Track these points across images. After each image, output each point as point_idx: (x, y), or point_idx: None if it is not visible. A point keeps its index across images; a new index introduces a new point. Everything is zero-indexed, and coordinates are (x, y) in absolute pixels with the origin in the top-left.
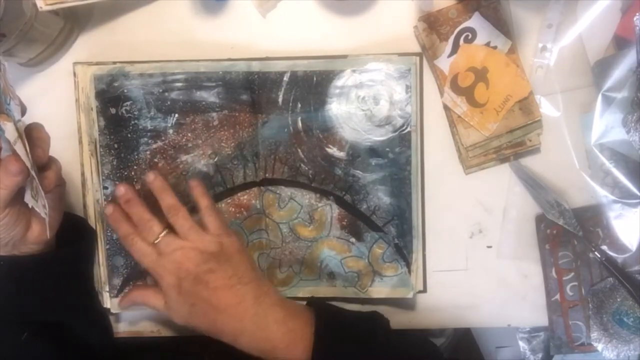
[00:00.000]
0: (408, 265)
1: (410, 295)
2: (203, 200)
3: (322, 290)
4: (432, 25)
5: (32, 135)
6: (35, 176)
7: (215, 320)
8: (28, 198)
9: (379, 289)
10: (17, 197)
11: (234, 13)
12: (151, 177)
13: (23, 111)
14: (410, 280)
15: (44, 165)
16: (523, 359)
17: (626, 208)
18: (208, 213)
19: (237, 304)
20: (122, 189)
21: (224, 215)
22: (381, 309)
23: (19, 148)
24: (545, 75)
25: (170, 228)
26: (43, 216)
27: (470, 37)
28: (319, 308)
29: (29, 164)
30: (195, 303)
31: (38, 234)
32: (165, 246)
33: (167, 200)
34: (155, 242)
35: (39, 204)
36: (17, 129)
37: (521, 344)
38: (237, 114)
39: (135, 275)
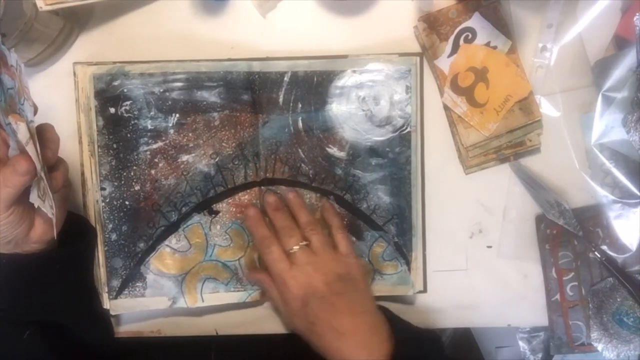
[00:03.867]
0: (408, 263)
1: (410, 293)
2: (335, 220)
3: None
4: (432, 25)
5: (43, 135)
6: (44, 177)
7: (331, 343)
8: (34, 198)
9: (379, 287)
10: (22, 196)
11: (234, 13)
12: (291, 196)
13: (34, 111)
14: (410, 278)
15: (52, 166)
16: (523, 359)
17: (626, 208)
18: (339, 233)
19: (356, 332)
20: (272, 198)
21: (225, 215)
22: None
23: (30, 148)
24: (545, 75)
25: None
26: (50, 216)
27: (470, 37)
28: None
29: (38, 165)
30: (315, 322)
31: (41, 233)
32: (300, 257)
33: (304, 217)
34: (291, 251)
35: (46, 204)
36: (29, 129)
37: (521, 344)
38: (238, 114)
39: (134, 277)
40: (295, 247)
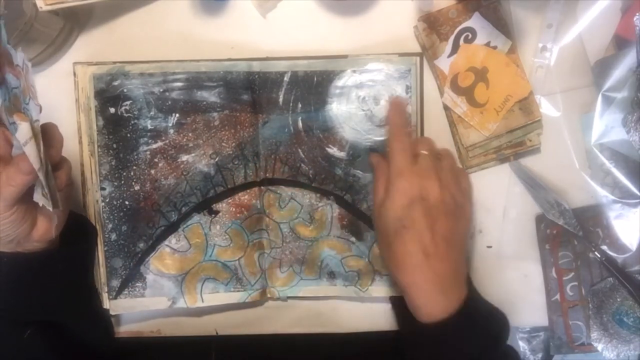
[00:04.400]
0: None
1: None
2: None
3: (323, 289)
4: (432, 25)
5: (48, 134)
6: (43, 177)
7: (412, 257)
8: (37, 197)
9: (380, 288)
10: (25, 195)
11: (234, 13)
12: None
13: (39, 110)
14: None
15: (56, 164)
16: (523, 359)
17: (626, 208)
18: (466, 177)
19: (442, 260)
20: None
21: (225, 215)
22: (381, 309)
23: (31, 148)
24: (545, 75)
25: None
26: (52, 215)
27: (470, 37)
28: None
29: (38, 164)
30: (409, 227)
31: (43, 232)
32: (427, 162)
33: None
34: (422, 152)
35: (50, 202)
36: (33, 129)
37: (521, 344)
38: (237, 114)
39: (134, 277)
40: (425, 152)
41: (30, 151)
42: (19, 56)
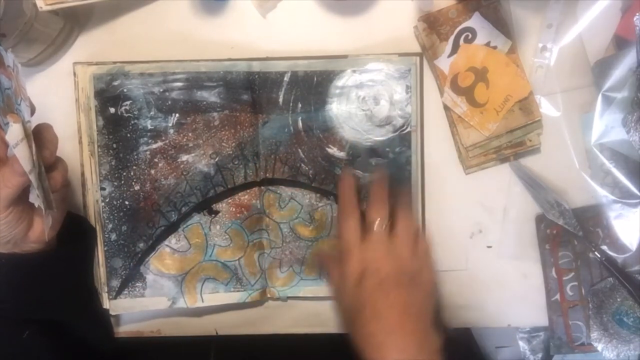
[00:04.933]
0: None
1: None
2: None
3: (323, 289)
4: (432, 25)
5: (41, 135)
6: (35, 179)
7: (371, 336)
8: (33, 198)
9: None
10: (21, 196)
11: (234, 13)
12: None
13: (32, 111)
14: None
15: (50, 165)
16: (523, 359)
17: (626, 208)
18: (424, 238)
19: (403, 335)
20: (383, 172)
21: (225, 215)
22: None
23: (23, 149)
24: (545, 75)
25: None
26: (47, 217)
27: (470, 37)
28: None
29: (30, 166)
30: (365, 306)
31: (40, 233)
32: (378, 235)
33: (402, 201)
34: (372, 225)
35: (44, 203)
36: (25, 130)
37: (521, 344)
38: (237, 114)
39: (134, 277)
40: (377, 223)
41: (22, 152)
42: (10, 57)
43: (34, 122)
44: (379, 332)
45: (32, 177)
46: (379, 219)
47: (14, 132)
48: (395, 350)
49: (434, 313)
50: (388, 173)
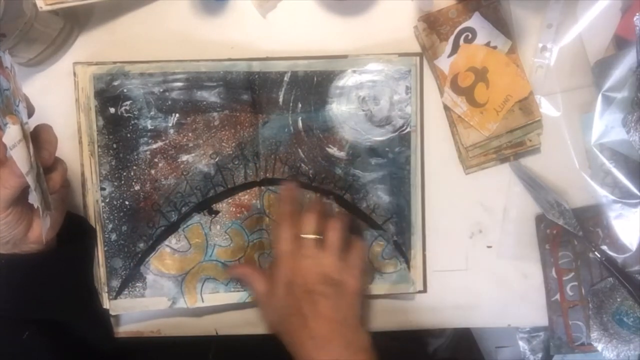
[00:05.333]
0: (407, 261)
1: (410, 291)
2: (358, 238)
3: None
4: (432, 25)
5: (40, 136)
6: (32, 180)
7: (300, 341)
8: (33, 198)
9: (379, 286)
10: (21, 197)
11: (234, 13)
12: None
13: (30, 112)
14: (410, 276)
15: (50, 167)
16: (523, 359)
17: (626, 208)
18: (358, 244)
19: (330, 340)
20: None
21: (225, 215)
22: (382, 308)
23: (20, 151)
24: (545, 75)
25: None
26: (44, 219)
27: (470, 37)
28: None
29: (28, 167)
30: (293, 315)
31: (39, 233)
32: (308, 246)
33: (337, 214)
34: (303, 236)
35: (42, 204)
36: (23, 131)
37: (521, 344)
38: (237, 114)
39: (134, 277)
40: (307, 235)
41: (19, 154)
42: (7, 58)
43: (35, 122)
44: (307, 338)
45: (30, 179)
46: (308, 229)
47: (11, 134)
48: (322, 352)
49: (360, 317)
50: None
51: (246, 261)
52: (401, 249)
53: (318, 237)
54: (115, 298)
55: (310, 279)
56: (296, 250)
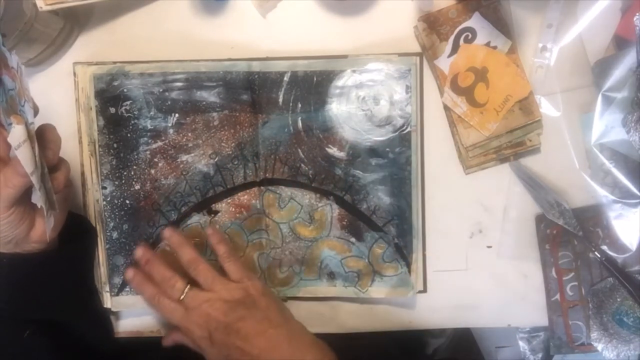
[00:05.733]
0: (408, 265)
1: (410, 295)
2: (220, 248)
3: (322, 290)
4: (432, 25)
5: (44, 136)
6: (37, 180)
7: None
8: (36, 198)
9: (379, 289)
10: (23, 196)
11: (234, 13)
12: (167, 234)
13: (35, 112)
14: (410, 280)
15: (53, 166)
16: (523, 359)
17: (626, 208)
18: (227, 260)
19: (272, 348)
20: (140, 251)
21: (225, 215)
22: (381, 309)
23: (25, 150)
24: (545, 75)
25: (193, 282)
26: (49, 217)
27: (470, 37)
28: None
29: (32, 167)
30: (229, 353)
31: (41, 233)
32: (191, 300)
33: (187, 254)
34: (181, 298)
35: (46, 204)
36: (28, 131)
37: (521, 344)
38: (237, 114)
39: None
40: (182, 295)
41: (24, 154)
42: (14, 58)
43: (35, 121)
44: (255, 358)
45: (34, 179)
46: (176, 290)
47: (16, 134)
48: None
49: (286, 309)
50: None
51: (245, 261)
52: (402, 252)
53: (188, 287)
54: (117, 295)
55: (220, 319)
56: (187, 310)
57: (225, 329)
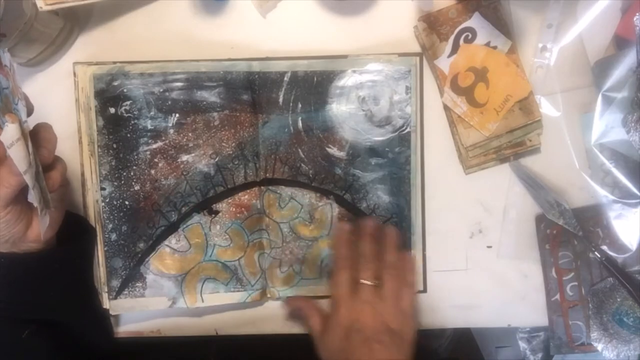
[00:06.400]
0: None
1: None
2: (408, 277)
3: (323, 289)
4: (432, 25)
5: (39, 135)
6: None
7: None
8: (32, 197)
9: None
10: (20, 196)
11: (234, 13)
12: (390, 230)
13: (30, 111)
14: None
15: (49, 165)
16: (523, 359)
17: (626, 208)
18: (410, 289)
19: None
20: (371, 222)
21: (225, 215)
22: None
23: (19, 149)
24: (545, 75)
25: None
26: (44, 216)
27: (470, 37)
28: None
29: (26, 166)
30: (348, 356)
31: (38, 232)
32: (366, 292)
33: (392, 256)
34: (361, 282)
35: (41, 203)
36: (22, 130)
37: (521, 344)
38: (238, 114)
39: (134, 277)
40: (367, 282)
41: (17, 153)
42: (6, 57)
43: (35, 121)
44: None
45: (28, 178)
46: (367, 275)
47: (8, 133)
48: None
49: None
50: (379, 226)
51: (246, 261)
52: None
53: (376, 284)
54: (115, 298)
55: (369, 327)
56: (355, 296)
57: (365, 339)
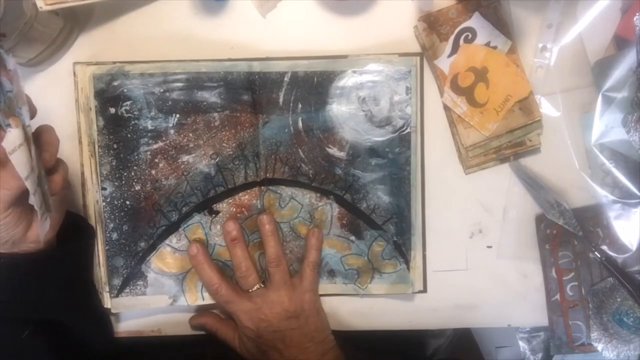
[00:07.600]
0: (407, 262)
1: (409, 292)
2: (311, 254)
3: (322, 287)
4: (432, 25)
5: (42, 138)
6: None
7: None
8: (32, 200)
9: (379, 286)
10: (21, 198)
11: (234, 13)
12: (264, 220)
13: (33, 114)
14: (409, 277)
15: (51, 168)
16: (523, 359)
17: (626, 208)
18: (309, 268)
19: (304, 359)
20: (232, 225)
21: (225, 215)
22: (381, 308)
23: (21, 155)
24: (545, 75)
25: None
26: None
27: (470, 37)
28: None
29: (28, 170)
30: (267, 352)
31: (38, 234)
32: (256, 297)
33: (273, 249)
34: (250, 291)
35: (42, 206)
36: (25, 134)
37: (521, 344)
38: (238, 114)
39: (135, 276)
40: (253, 289)
41: (19, 159)
42: (11, 61)
43: (35, 122)
44: None
45: (29, 183)
46: (249, 282)
47: (10, 139)
48: None
49: (324, 323)
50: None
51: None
52: (401, 250)
53: (261, 286)
54: (117, 296)
55: (273, 321)
56: (248, 303)
57: (274, 332)
